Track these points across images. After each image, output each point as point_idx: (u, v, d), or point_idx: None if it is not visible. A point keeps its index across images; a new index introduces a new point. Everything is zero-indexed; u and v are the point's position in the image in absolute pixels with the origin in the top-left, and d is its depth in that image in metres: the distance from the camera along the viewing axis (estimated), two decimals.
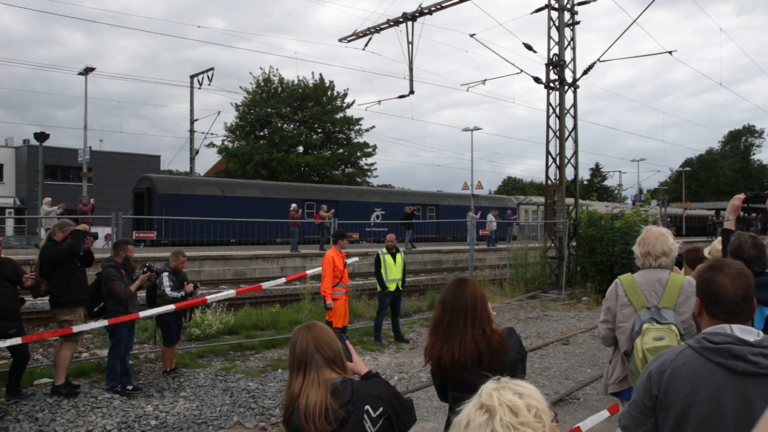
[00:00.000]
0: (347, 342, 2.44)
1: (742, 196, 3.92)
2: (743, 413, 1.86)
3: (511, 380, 1.48)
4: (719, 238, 4.13)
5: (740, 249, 3.14)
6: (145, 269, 7.24)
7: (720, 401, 1.89)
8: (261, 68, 54.82)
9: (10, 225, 33.11)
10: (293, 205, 22.35)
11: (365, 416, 2.10)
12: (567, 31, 16.00)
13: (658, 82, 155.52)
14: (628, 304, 3.27)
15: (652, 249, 3.30)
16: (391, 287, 9.75)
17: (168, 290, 7.28)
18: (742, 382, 1.88)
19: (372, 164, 46.40)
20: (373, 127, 45.76)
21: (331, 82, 44.07)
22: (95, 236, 7.29)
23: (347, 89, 45.85)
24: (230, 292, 8.60)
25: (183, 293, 7.35)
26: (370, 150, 45.33)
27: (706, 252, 4.15)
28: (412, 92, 19.28)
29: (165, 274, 7.40)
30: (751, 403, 1.86)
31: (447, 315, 2.65)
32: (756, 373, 1.87)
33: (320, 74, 43.91)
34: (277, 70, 44.44)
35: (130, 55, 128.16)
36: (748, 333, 1.95)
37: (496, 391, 1.43)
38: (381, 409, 2.14)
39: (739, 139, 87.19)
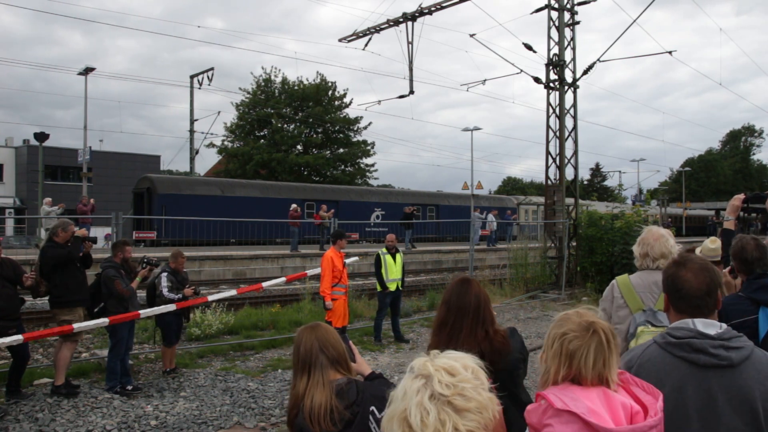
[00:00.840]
0: (350, 342, 2.43)
1: (741, 196, 3.92)
2: (706, 405, 1.90)
3: (441, 353, 1.45)
4: (711, 238, 4.13)
5: (743, 250, 3.13)
6: (144, 264, 7.23)
7: (684, 394, 1.93)
8: (263, 68, 54.89)
9: (10, 225, 33.11)
10: (293, 205, 22.36)
11: (370, 417, 2.09)
12: (567, 31, 16.00)
13: (657, 82, 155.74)
14: (624, 305, 3.25)
15: (650, 250, 3.28)
16: (392, 287, 9.75)
17: (165, 291, 7.28)
18: (704, 375, 1.93)
19: (372, 165, 46.39)
20: (370, 123, 45.51)
21: (332, 82, 44.09)
22: (94, 240, 7.32)
23: (347, 89, 45.81)
24: (231, 292, 8.62)
25: (180, 295, 7.34)
26: (369, 148, 45.23)
27: (697, 251, 4.13)
28: (412, 92, 19.29)
29: (164, 274, 7.38)
30: (714, 395, 1.91)
31: (451, 315, 2.64)
32: (717, 365, 1.93)
33: (323, 75, 44.00)
34: (279, 70, 44.46)
35: (130, 55, 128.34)
36: (710, 326, 2.01)
37: (429, 361, 1.41)
38: None
39: (739, 139, 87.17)
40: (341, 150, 44.69)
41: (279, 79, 43.56)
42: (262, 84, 43.37)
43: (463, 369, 1.37)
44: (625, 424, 1.58)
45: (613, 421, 1.57)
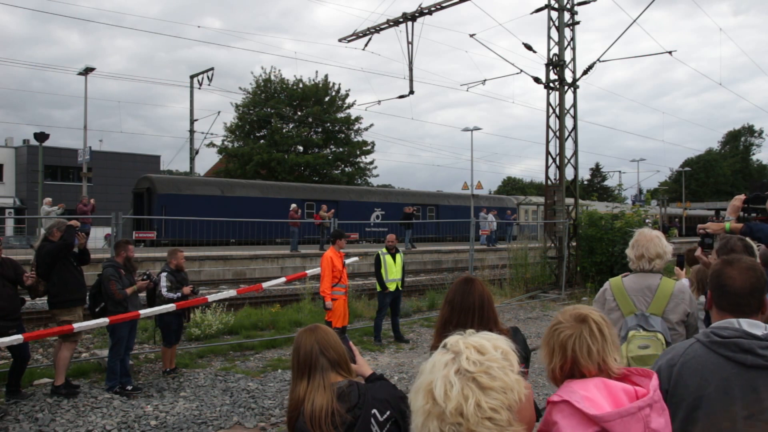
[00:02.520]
0: (350, 343, 2.42)
1: (742, 196, 3.91)
2: (753, 405, 1.89)
3: (476, 332, 1.46)
4: None
5: (732, 252, 3.13)
6: (145, 277, 7.24)
7: (730, 394, 1.91)
8: (262, 68, 54.85)
9: (10, 225, 33.10)
10: (293, 206, 22.37)
11: (372, 420, 2.07)
12: (567, 31, 16.00)
13: (656, 81, 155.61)
14: (616, 308, 3.22)
15: (646, 251, 3.27)
16: (391, 287, 9.75)
17: (164, 291, 7.28)
18: (751, 375, 1.91)
19: (371, 162, 46.26)
20: (371, 125, 45.38)
21: (333, 83, 44.06)
22: (87, 232, 7.30)
23: (349, 90, 45.72)
24: (231, 292, 8.62)
25: (179, 294, 7.34)
26: (368, 148, 45.14)
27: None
28: (412, 92, 19.28)
29: (164, 274, 7.38)
30: (760, 395, 1.90)
31: (455, 314, 2.64)
32: (764, 366, 1.91)
33: (325, 75, 43.99)
34: (279, 71, 44.37)
35: (127, 54, 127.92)
36: (756, 327, 1.99)
37: (461, 338, 1.43)
38: (388, 412, 2.11)
39: (738, 140, 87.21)
40: (341, 149, 44.61)
41: (278, 79, 43.51)
42: (262, 84, 43.34)
43: (492, 349, 1.38)
44: None
45: (615, 407, 1.58)
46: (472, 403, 1.30)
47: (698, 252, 3.84)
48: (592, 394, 1.60)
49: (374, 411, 2.09)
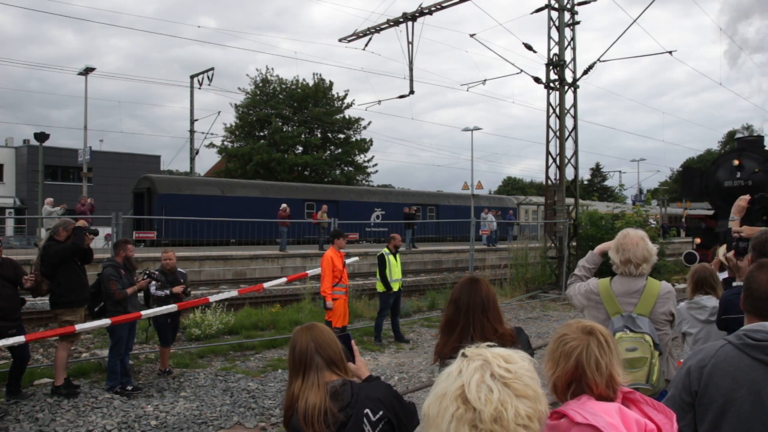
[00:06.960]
0: (353, 342, 2.40)
1: (747, 197, 3.91)
2: None
3: (492, 345, 1.44)
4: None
5: (765, 245, 3.01)
6: (146, 276, 7.25)
7: (761, 397, 1.90)
8: (257, 69, 54.66)
9: (10, 225, 33.10)
10: (283, 205, 22.30)
11: (364, 419, 2.07)
12: (567, 31, 16.00)
13: (655, 81, 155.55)
14: (601, 306, 3.20)
15: (632, 256, 3.14)
16: (395, 287, 9.76)
17: (153, 289, 7.30)
18: None
19: (370, 159, 46.09)
20: (370, 123, 45.06)
21: (331, 82, 43.97)
22: (95, 233, 7.27)
23: (347, 90, 45.52)
24: (232, 293, 8.62)
25: (167, 292, 7.34)
26: (366, 145, 44.94)
27: (720, 253, 4.14)
28: (412, 92, 19.29)
29: (156, 273, 7.40)
30: None
31: (460, 314, 2.63)
32: None
33: (320, 74, 43.91)
34: (277, 75, 44.17)
35: (123, 54, 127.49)
36: None
37: (479, 348, 1.39)
38: (381, 412, 2.10)
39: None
40: (340, 150, 44.49)
41: (275, 80, 43.42)
42: (260, 84, 43.27)
43: (519, 358, 1.37)
44: None
45: None
46: (512, 409, 1.25)
47: (731, 254, 3.71)
48: (616, 422, 1.55)
49: (367, 410, 2.08)
